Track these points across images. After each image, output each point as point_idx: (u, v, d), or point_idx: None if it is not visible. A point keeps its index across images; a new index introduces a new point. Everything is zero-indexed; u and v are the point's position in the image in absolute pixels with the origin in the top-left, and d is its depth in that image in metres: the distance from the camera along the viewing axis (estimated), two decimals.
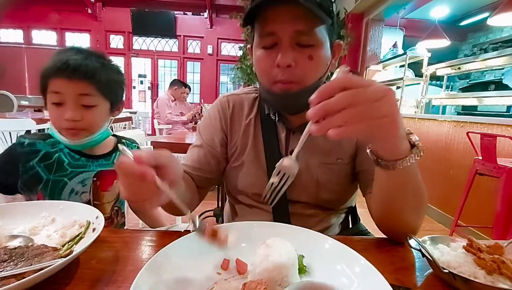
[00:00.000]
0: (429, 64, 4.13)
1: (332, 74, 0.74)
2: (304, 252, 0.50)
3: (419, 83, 4.32)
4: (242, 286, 0.39)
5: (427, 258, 0.54)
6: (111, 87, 0.86)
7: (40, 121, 2.52)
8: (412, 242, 0.58)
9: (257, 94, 0.87)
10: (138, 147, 1.01)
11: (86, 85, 0.79)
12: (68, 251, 0.52)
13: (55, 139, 0.85)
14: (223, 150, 0.84)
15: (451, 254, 0.53)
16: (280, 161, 0.53)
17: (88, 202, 0.88)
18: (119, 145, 0.54)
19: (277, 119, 0.80)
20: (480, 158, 2.07)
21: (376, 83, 0.42)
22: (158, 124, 4.08)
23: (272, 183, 0.53)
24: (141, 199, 0.41)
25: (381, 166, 0.53)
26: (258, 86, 0.86)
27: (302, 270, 0.48)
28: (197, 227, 0.46)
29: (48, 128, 0.88)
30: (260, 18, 0.67)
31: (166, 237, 0.62)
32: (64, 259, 0.46)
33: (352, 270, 0.47)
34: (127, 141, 1.00)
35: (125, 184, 0.41)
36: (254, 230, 0.54)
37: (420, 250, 0.55)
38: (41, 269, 0.43)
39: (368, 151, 0.55)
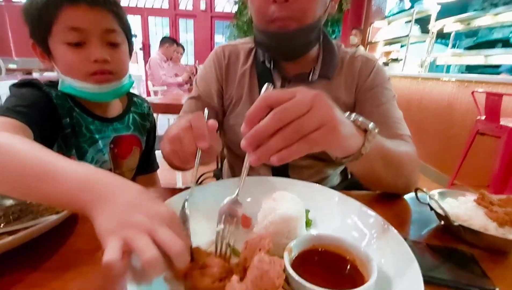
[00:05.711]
0: (436, 19, 3.91)
1: (331, 18, 0.64)
2: (309, 206, 0.49)
3: (424, 41, 4.12)
4: (245, 244, 0.37)
5: (435, 211, 0.53)
6: (129, 25, 0.74)
7: None
8: (421, 196, 0.57)
9: (253, 45, 0.81)
10: (149, 107, 0.89)
11: (111, 18, 0.66)
12: None
13: (62, 94, 0.68)
14: (219, 102, 0.81)
15: (461, 207, 0.52)
16: (222, 204, 0.43)
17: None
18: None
19: (272, 66, 0.76)
20: (483, 117, 2.04)
21: (300, 91, 0.36)
22: (153, 86, 3.94)
23: (219, 232, 0.40)
24: (179, 153, 0.47)
25: (342, 163, 0.50)
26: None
27: (308, 223, 0.47)
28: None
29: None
30: None
31: (177, 193, 0.57)
32: (58, 215, 0.44)
33: (363, 223, 0.45)
34: (139, 100, 0.88)
35: (179, 138, 0.46)
36: (258, 186, 0.52)
37: (428, 204, 0.54)
38: (36, 225, 0.41)
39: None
